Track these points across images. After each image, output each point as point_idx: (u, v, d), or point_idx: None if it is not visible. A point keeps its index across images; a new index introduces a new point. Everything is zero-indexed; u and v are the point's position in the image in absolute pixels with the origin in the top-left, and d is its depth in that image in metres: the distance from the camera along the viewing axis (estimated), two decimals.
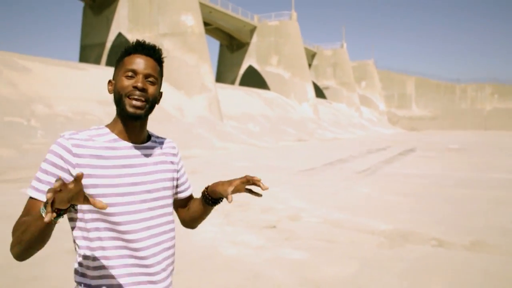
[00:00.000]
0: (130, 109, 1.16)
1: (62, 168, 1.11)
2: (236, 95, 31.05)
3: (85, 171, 1.12)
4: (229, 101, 27.51)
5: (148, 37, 25.34)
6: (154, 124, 19.22)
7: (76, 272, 1.20)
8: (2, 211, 6.27)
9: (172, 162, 1.34)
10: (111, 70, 22.31)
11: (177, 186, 1.38)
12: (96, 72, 20.82)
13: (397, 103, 68.25)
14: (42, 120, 14.47)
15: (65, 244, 4.44)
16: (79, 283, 1.19)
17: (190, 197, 1.46)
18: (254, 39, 41.03)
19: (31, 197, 1.12)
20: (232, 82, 41.08)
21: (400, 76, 69.05)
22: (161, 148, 1.32)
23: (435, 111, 65.35)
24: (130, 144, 1.22)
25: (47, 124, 14.40)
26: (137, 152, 1.23)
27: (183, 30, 24.81)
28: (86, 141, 1.16)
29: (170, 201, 1.31)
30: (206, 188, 1.35)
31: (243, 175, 1.33)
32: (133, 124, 1.22)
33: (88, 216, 1.15)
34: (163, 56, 1.24)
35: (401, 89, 68.21)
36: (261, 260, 4.19)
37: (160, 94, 1.28)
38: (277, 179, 10.01)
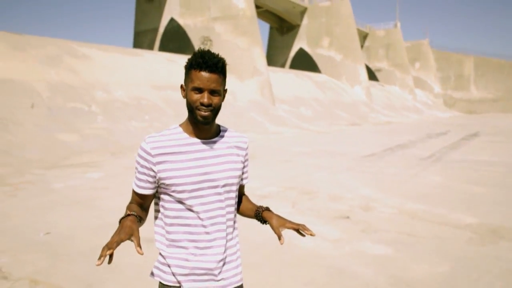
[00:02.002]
0: (200, 119, 1.42)
1: (147, 168, 1.45)
2: (288, 79, 30.58)
3: (162, 166, 1.43)
4: (280, 85, 27.13)
5: (200, 21, 25.36)
6: None
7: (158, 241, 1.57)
8: (72, 196, 6.39)
9: (238, 155, 1.55)
10: (164, 55, 22.59)
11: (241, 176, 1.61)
12: (150, 57, 21.10)
13: (453, 84, 64.74)
14: (101, 105, 14.84)
15: (142, 233, 4.39)
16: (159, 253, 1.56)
17: (242, 187, 1.70)
18: (305, 21, 40.08)
19: (133, 190, 1.53)
20: (282, 66, 40.53)
21: (458, 56, 65.28)
22: (228, 141, 1.54)
23: (496, 93, 61.40)
24: (199, 140, 1.47)
25: (106, 109, 14.76)
26: (206, 146, 1.47)
27: (235, 13, 24.57)
28: (163, 141, 1.45)
29: (235, 187, 1.54)
30: (261, 210, 1.63)
31: (299, 223, 1.61)
32: (203, 126, 1.46)
33: (167, 204, 1.49)
34: (226, 64, 1.44)
35: (459, 69, 64.52)
36: (341, 254, 3.93)
37: (225, 91, 1.49)
38: (339, 165, 9.64)
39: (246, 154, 1.60)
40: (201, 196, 1.44)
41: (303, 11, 40.01)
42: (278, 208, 5.62)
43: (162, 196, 1.49)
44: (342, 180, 7.82)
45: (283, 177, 8.03)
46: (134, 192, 1.51)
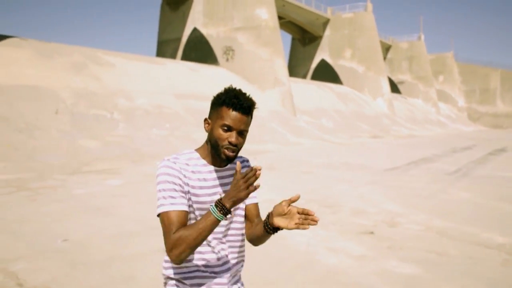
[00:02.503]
0: (224, 157, 1.42)
1: (181, 185, 1.40)
2: (309, 89, 30.42)
3: (189, 188, 1.42)
4: (301, 96, 26.97)
5: (223, 31, 25.50)
6: None
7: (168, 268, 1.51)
8: (92, 203, 6.36)
9: None
10: (187, 64, 22.75)
11: None
12: (173, 66, 21.28)
13: (478, 98, 63.33)
14: (123, 113, 14.97)
15: (156, 243, 4.28)
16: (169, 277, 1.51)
17: (254, 207, 1.61)
18: (327, 32, 39.94)
19: (170, 211, 1.36)
20: (304, 76, 40.40)
21: (483, 69, 63.95)
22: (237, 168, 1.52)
23: None
24: (215, 168, 1.48)
25: (128, 117, 14.87)
26: (220, 174, 1.49)
27: (257, 24, 24.62)
28: (186, 165, 1.43)
29: (243, 212, 1.57)
30: (268, 217, 1.45)
31: (306, 207, 1.42)
32: (225, 162, 1.48)
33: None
34: (256, 107, 1.46)
35: (484, 83, 63.12)
36: (366, 272, 3.73)
37: (247, 131, 1.47)
38: (361, 179, 9.40)
39: None
40: None
41: (326, 22, 39.92)
42: None
43: None
44: (365, 194, 7.59)
45: (304, 189, 7.85)
46: (172, 213, 1.36)
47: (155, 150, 12.94)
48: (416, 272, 3.75)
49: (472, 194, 7.70)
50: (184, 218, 1.37)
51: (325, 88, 33.63)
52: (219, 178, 1.48)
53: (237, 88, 1.47)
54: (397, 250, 4.36)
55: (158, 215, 1.38)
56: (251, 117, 1.45)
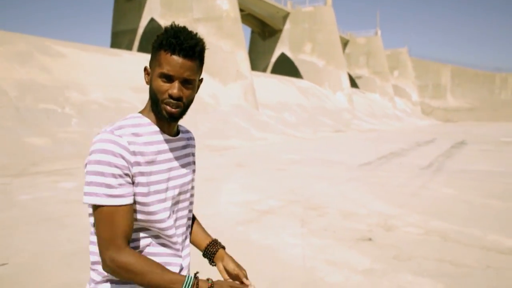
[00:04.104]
0: (165, 115, 1.13)
1: (125, 168, 1.06)
2: (270, 83, 29.89)
3: (138, 168, 1.09)
4: (263, 90, 26.38)
5: (182, 22, 24.24)
6: (190, 112, 18.18)
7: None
8: (40, 212, 5.39)
9: (193, 154, 1.34)
10: (144, 56, 21.52)
11: None
12: (130, 58, 20.03)
13: (431, 93, 65.52)
14: (76, 107, 13.74)
15: None
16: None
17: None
18: (287, 26, 39.57)
19: (109, 206, 1.05)
20: (264, 70, 39.86)
21: (435, 64, 66.19)
22: (187, 139, 1.31)
23: (472, 102, 62.42)
24: (167, 137, 1.19)
25: (82, 112, 13.66)
26: (172, 145, 1.21)
27: (218, 15, 23.73)
28: (135, 136, 1.11)
29: (193, 191, 1.33)
30: (212, 245, 1.35)
31: (242, 270, 1.30)
32: (168, 122, 1.18)
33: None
34: (205, 48, 1.15)
35: (436, 78, 65.37)
36: None
37: (201, 81, 1.22)
38: (339, 175, 8.90)
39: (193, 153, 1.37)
40: (162, 201, 1.17)
41: (286, 16, 39.54)
42: (285, 228, 4.81)
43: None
44: (347, 192, 7.06)
45: (282, 189, 7.22)
46: (110, 209, 1.05)
47: None
48: None
49: (455, 190, 7.35)
50: (131, 215, 1.09)
51: (287, 82, 33.25)
52: (172, 150, 1.21)
53: (180, 25, 1.13)
54: (405, 261, 3.80)
55: (94, 207, 1.07)
56: (201, 62, 1.15)
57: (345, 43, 53.66)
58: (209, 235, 1.41)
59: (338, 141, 19.03)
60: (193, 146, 1.36)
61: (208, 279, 1.09)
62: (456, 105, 63.95)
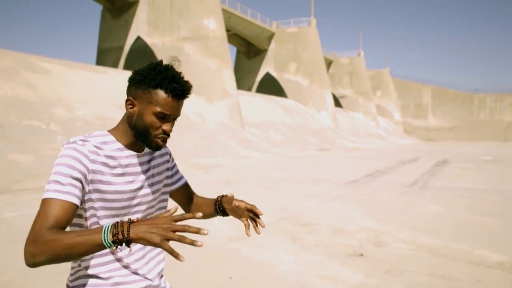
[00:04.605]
0: (155, 146, 1.24)
1: (81, 172, 1.14)
2: (256, 102, 30.11)
3: (97, 177, 1.18)
4: (249, 108, 26.56)
5: (168, 41, 24.56)
6: (176, 131, 18.27)
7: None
8: (27, 229, 5.29)
9: (167, 161, 1.43)
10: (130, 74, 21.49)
11: (170, 180, 1.46)
12: (116, 76, 20.00)
13: (413, 112, 66.79)
14: (61, 124, 13.60)
15: None
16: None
17: (186, 187, 1.52)
18: (272, 46, 40.15)
19: (52, 199, 1.09)
20: (249, 89, 40.19)
21: (417, 85, 67.67)
22: (150, 153, 1.35)
23: (452, 122, 63.80)
24: (134, 153, 1.27)
25: (67, 128, 13.52)
26: (139, 160, 1.28)
27: (205, 34, 23.96)
28: (97, 148, 1.20)
29: (165, 204, 1.43)
30: (221, 198, 1.44)
31: (253, 203, 1.38)
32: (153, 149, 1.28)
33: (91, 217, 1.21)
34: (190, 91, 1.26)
35: (417, 98, 66.76)
36: None
37: None
38: (326, 193, 8.97)
39: (171, 156, 1.48)
40: (129, 214, 1.28)
41: (271, 36, 40.14)
42: (277, 244, 4.82)
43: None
44: (336, 209, 7.11)
45: (271, 206, 7.24)
46: (53, 202, 1.09)
47: None
48: None
49: (441, 207, 7.48)
50: (70, 212, 1.10)
51: (271, 101, 33.55)
52: (139, 164, 1.29)
53: (169, 65, 1.23)
54: (397, 275, 3.85)
55: (41, 202, 1.11)
56: None
57: (329, 63, 54.61)
58: (210, 199, 1.52)
59: (323, 159, 19.19)
60: (165, 158, 1.42)
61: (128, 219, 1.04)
62: (437, 124, 65.25)
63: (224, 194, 1.45)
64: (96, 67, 20.82)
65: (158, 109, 1.19)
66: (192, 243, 0.98)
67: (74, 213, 1.12)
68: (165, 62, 1.27)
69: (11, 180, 9.19)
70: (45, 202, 1.09)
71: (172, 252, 0.97)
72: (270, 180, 10.86)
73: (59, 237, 1.00)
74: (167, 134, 1.23)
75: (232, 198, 1.37)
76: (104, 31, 27.83)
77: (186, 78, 1.24)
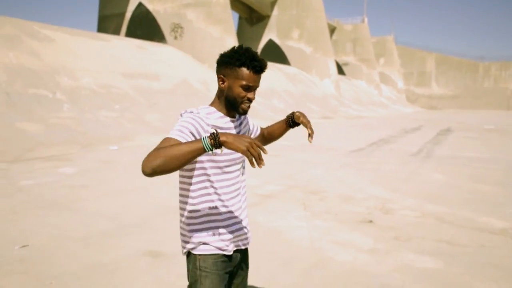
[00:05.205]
0: (241, 111, 1.63)
1: (196, 130, 1.52)
2: None
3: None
4: None
5: (170, 7, 24.17)
6: (181, 98, 18.33)
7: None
8: (47, 197, 5.48)
9: (248, 124, 1.84)
10: (134, 42, 21.32)
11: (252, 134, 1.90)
12: (120, 44, 19.82)
13: (416, 81, 66.34)
14: (67, 93, 13.63)
15: (139, 245, 3.65)
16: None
17: (261, 134, 1.98)
18: (275, 12, 39.44)
19: (171, 138, 1.47)
20: None
21: (420, 52, 66.87)
22: (244, 118, 1.79)
23: (456, 90, 63.44)
24: (229, 119, 1.67)
25: (73, 97, 13.57)
26: (234, 124, 1.70)
27: (207, 0, 23.55)
28: (208, 115, 1.60)
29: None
30: (292, 114, 1.94)
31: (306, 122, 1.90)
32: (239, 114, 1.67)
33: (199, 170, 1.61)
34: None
35: (421, 66, 66.14)
36: (389, 270, 3.34)
37: None
38: (332, 161, 9.13)
39: (250, 120, 1.87)
40: (228, 165, 1.64)
41: (274, 1, 39.36)
42: (289, 211, 5.01)
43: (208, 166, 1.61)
44: (343, 177, 7.29)
45: (279, 174, 7.41)
46: (171, 140, 1.46)
47: (106, 133, 11.90)
48: (438, 267, 3.42)
49: (445, 175, 7.65)
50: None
51: (274, 68, 33.29)
52: (234, 127, 1.68)
53: (248, 47, 1.59)
54: (406, 241, 4.04)
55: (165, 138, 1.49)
56: None
57: (332, 30, 53.78)
58: (279, 122, 2.00)
59: (327, 128, 19.29)
60: (247, 122, 1.82)
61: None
62: (440, 92, 64.91)
63: (292, 112, 1.94)
64: (98, 35, 20.60)
65: (244, 82, 1.55)
66: (262, 163, 1.32)
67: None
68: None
69: (23, 148, 9.34)
70: (166, 138, 1.46)
71: (258, 156, 1.32)
72: (275, 148, 11.00)
73: (170, 148, 1.35)
74: (250, 100, 1.60)
75: (298, 117, 1.89)
76: None
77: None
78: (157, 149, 1.37)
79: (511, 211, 5.20)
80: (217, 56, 1.61)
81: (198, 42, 23.13)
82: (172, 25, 24.15)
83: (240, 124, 1.73)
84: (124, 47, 19.38)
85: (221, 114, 1.62)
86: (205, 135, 1.39)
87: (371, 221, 4.67)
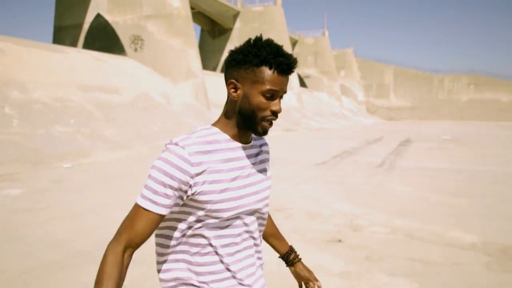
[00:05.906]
0: (261, 131, 1.13)
1: (180, 181, 1.04)
2: (222, 83, 29.59)
3: (205, 177, 1.06)
4: (214, 89, 26.11)
5: (130, 19, 23.60)
6: (141, 113, 17.76)
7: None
8: None
9: (268, 160, 1.29)
10: (92, 54, 20.58)
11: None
12: (76, 56, 19.07)
13: (375, 92, 68.14)
14: (17, 107, 12.85)
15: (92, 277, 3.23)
16: None
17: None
18: (237, 25, 39.52)
19: (143, 208, 1.06)
20: (214, 69, 39.54)
21: (379, 65, 68.88)
22: (260, 146, 1.26)
23: (413, 101, 65.60)
24: (240, 145, 1.16)
25: (23, 112, 12.80)
26: (247, 152, 1.18)
27: (169, 12, 23.16)
28: (207, 144, 1.09)
29: (268, 201, 1.26)
30: (296, 255, 1.55)
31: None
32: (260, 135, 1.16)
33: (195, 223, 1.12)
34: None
35: (380, 78, 68.07)
36: None
37: None
38: (296, 174, 8.95)
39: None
40: (237, 209, 1.14)
41: (236, 14, 39.45)
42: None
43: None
44: (309, 192, 7.09)
45: None
46: (141, 211, 1.06)
47: (60, 149, 11.24)
48: None
49: (410, 187, 7.62)
50: (155, 224, 1.07)
51: None
52: (247, 157, 1.18)
53: (270, 38, 1.12)
54: (377, 261, 3.84)
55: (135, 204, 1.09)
56: None
57: (294, 43, 54.47)
58: (284, 239, 1.55)
59: (290, 140, 19.24)
60: (267, 152, 1.30)
61: None
62: (398, 104, 66.93)
63: (294, 254, 1.56)
64: (54, 46, 19.77)
65: (267, 87, 1.09)
66: None
67: (158, 224, 1.09)
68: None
69: None
70: (136, 208, 1.07)
71: None
72: None
73: (98, 277, 1.02)
74: (275, 114, 1.12)
75: (302, 270, 1.51)
76: (61, 7, 26.37)
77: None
78: (119, 233, 1.08)
79: (477, 224, 5.15)
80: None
81: (159, 54, 22.64)
82: (132, 37, 23.55)
83: (257, 154, 1.22)
84: (81, 59, 18.66)
85: (227, 136, 1.14)
86: (190, 192, 1.04)
87: (340, 240, 4.46)
